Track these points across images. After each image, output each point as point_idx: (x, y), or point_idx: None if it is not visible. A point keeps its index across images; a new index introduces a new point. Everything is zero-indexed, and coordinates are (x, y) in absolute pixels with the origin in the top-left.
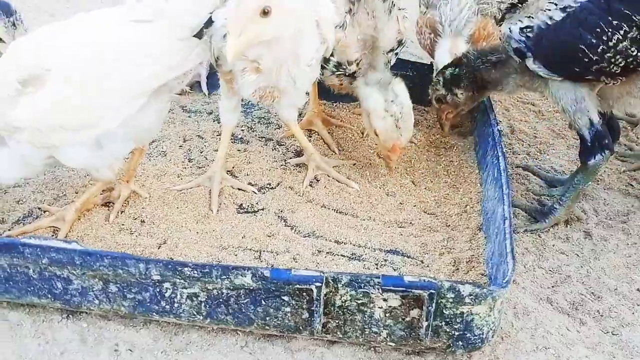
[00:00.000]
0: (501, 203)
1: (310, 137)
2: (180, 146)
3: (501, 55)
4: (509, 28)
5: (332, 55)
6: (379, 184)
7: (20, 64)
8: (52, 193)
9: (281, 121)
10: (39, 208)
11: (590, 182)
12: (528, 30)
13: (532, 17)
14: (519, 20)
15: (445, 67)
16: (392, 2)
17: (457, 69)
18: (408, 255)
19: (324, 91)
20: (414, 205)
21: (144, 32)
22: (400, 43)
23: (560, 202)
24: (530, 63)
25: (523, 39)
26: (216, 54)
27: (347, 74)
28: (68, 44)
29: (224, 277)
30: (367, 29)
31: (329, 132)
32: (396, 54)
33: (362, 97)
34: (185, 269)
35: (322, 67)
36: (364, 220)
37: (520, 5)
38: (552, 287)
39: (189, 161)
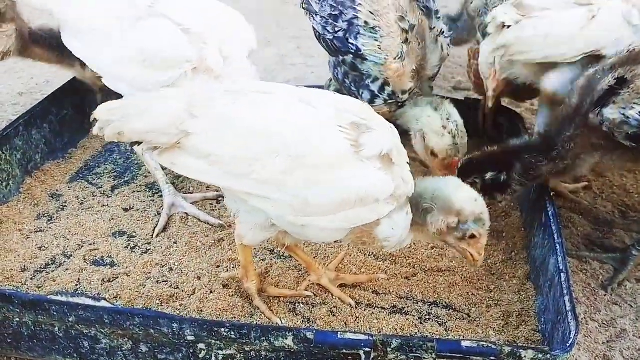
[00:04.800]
0: (553, 253)
1: None
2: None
3: (576, 131)
4: (622, 113)
5: (387, 84)
6: None
7: None
8: (76, 239)
9: None
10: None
11: None
12: None
13: None
14: (634, 104)
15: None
16: (441, 30)
17: (534, 155)
18: (453, 308)
19: None
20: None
21: None
22: (439, 70)
23: (638, 246)
24: None
25: None
26: None
27: (398, 103)
28: None
29: (263, 338)
30: (417, 58)
31: None
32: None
33: (414, 118)
34: (222, 329)
35: (375, 97)
36: (403, 267)
37: (617, 87)
38: (608, 342)
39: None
